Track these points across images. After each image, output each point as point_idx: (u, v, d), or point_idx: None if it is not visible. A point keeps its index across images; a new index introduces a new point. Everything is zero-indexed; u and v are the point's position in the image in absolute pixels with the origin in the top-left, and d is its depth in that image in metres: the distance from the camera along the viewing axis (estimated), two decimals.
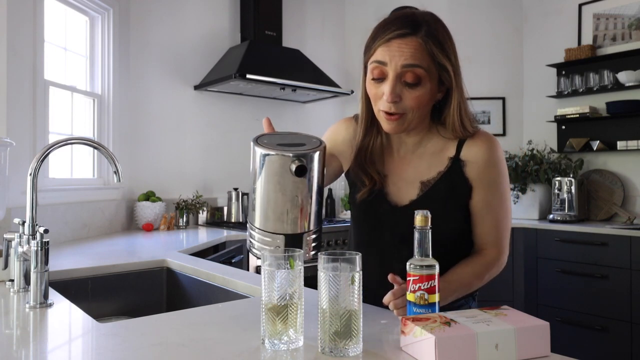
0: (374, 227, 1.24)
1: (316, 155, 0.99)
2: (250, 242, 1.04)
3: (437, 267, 0.97)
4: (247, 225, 1.05)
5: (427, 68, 1.06)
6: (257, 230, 1.01)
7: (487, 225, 1.18)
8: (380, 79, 1.08)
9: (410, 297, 0.97)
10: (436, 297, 0.96)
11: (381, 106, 1.10)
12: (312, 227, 1.02)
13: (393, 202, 1.20)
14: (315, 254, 1.05)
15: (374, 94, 1.11)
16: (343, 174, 1.33)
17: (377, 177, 1.20)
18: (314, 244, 1.04)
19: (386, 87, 1.07)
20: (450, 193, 1.16)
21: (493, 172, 1.16)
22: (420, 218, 0.97)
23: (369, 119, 1.19)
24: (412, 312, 0.96)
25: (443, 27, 1.10)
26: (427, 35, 1.06)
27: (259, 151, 0.98)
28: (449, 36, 1.10)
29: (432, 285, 0.95)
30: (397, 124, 1.11)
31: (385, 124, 1.12)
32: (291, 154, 0.96)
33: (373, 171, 1.20)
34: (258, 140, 0.99)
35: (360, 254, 0.87)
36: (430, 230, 0.97)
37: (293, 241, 1.00)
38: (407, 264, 0.97)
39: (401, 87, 1.07)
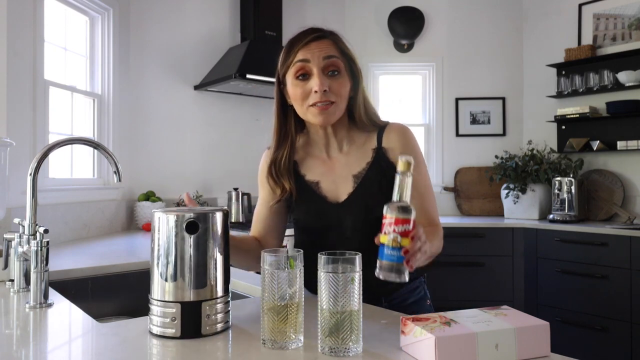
0: (324, 228, 1.29)
1: (216, 216, 0.97)
2: (150, 319, 0.98)
3: (414, 213, 0.95)
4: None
5: (341, 59, 1.25)
6: (153, 301, 0.97)
7: (415, 202, 1.28)
8: (305, 75, 1.22)
9: (383, 239, 0.94)
10: (408, 243, 0.93)
11: (311, 100, 1.22)
12: (213, 295, 0.97)
13: (333, 200, 1.29)
14: (224, 327, 0.99)
15: (301, 93, 1.23)
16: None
17: (288, 187, 1.30)
18: (218, 315, 0.97)
19: (315, 80, 1.21)
20: (381, 179, 1.27)
21: (410, 153, 1.27)
22: (402, 163, 0.97)
23: (282, 133, 1.32)
24: (383, 255, 0.94)
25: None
26: (334, 36, 1.28)
27: (157, 215, 0.96)
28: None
29: (407, 229, 0.93)
30: (328, 114, 1.22)
31: (317, 117, 1.23)
32: (185, 213, 0.95)
33: (285, 181, 1.30)
34: (162, 210, 0.98)
35: (360, 254, 0.87)
36: (411, 177, 0.97)
37: (190, 310, 0.94)
38: (384, 206, 0.96)
39: (326, 79, 1.22)
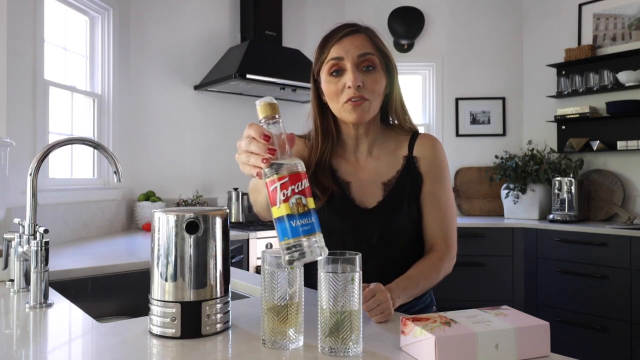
0: (346, 231, 1.24)
1: (216, 218, 0.97)
2: (150, 319, 0.98)
3: (302, 165, 0.79)
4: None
5: (376, 55, 1.21)
6: (153, 301, 0.96)
7: (435, 218, 1.26)
8: (338, 71, 1.19)
9: (283, 209, 0.77)
10: (313, 202, 0.78)
11: (344, 97, 1.18)
12: (213, 295, 0.96)
13: (362, 205, 1.25)
14: (224, 327, 0.99)
15: (335, 90, 1.19)
16: None
17: (332, 186, 1.24)
18: (218, 315, 0.97)
19: (348, 76, 1.17)
20: (410, 189, 1.25)
21: (439, 167, 1.27)
22: (263, 107, 0.80)
23: (324, 128, 1.28)
24: (291, 229, 0.77)
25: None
26: (370, 31, 1.24)
27: (157, 215, 0.96)
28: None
29: (306, 186, 0.77)
30: (362, 110, 1.18)
31: (351, 114, 1.19)
32: (185, 214, 0.95)
33: (326, 180, 1.24)
34: (162, 210, 0.98)
35: (360, 254, 0.87)
36: (281, 122, 0.81)
37: (190, 310, 0.94)
38: (265, 170, 0.79)
39: (360, 74, 1.18)
